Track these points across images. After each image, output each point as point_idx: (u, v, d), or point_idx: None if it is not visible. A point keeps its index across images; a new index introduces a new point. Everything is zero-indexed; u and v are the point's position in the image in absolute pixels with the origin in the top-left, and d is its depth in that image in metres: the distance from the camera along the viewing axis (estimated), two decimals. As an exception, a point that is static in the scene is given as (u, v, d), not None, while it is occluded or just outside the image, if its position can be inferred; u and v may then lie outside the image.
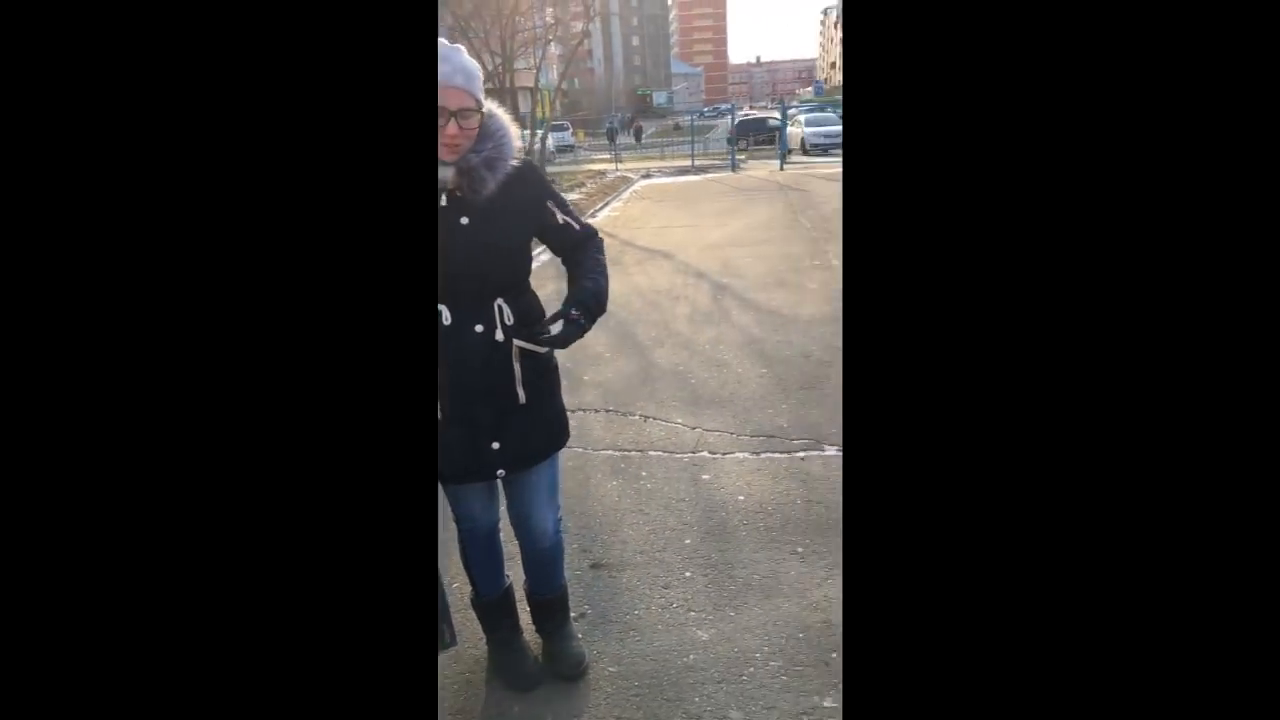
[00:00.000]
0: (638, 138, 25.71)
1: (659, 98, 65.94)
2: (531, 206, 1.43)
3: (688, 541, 2.28)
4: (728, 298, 5.36)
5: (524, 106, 17.55)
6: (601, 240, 1.59)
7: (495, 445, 1.43)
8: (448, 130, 1.25)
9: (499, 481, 1.53)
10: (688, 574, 2.12)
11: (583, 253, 1.53)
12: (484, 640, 1.77)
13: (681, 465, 2.82)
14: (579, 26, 18.88)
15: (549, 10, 17.93)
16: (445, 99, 1.25)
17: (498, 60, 14.48)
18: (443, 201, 1.32)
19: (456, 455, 1.42)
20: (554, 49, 20.58)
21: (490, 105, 1.38)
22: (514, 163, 1.37)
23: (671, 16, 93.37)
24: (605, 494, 2.62)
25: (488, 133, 1.34)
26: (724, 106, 34.64)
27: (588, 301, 1.45)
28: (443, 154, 1.29)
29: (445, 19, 12.67)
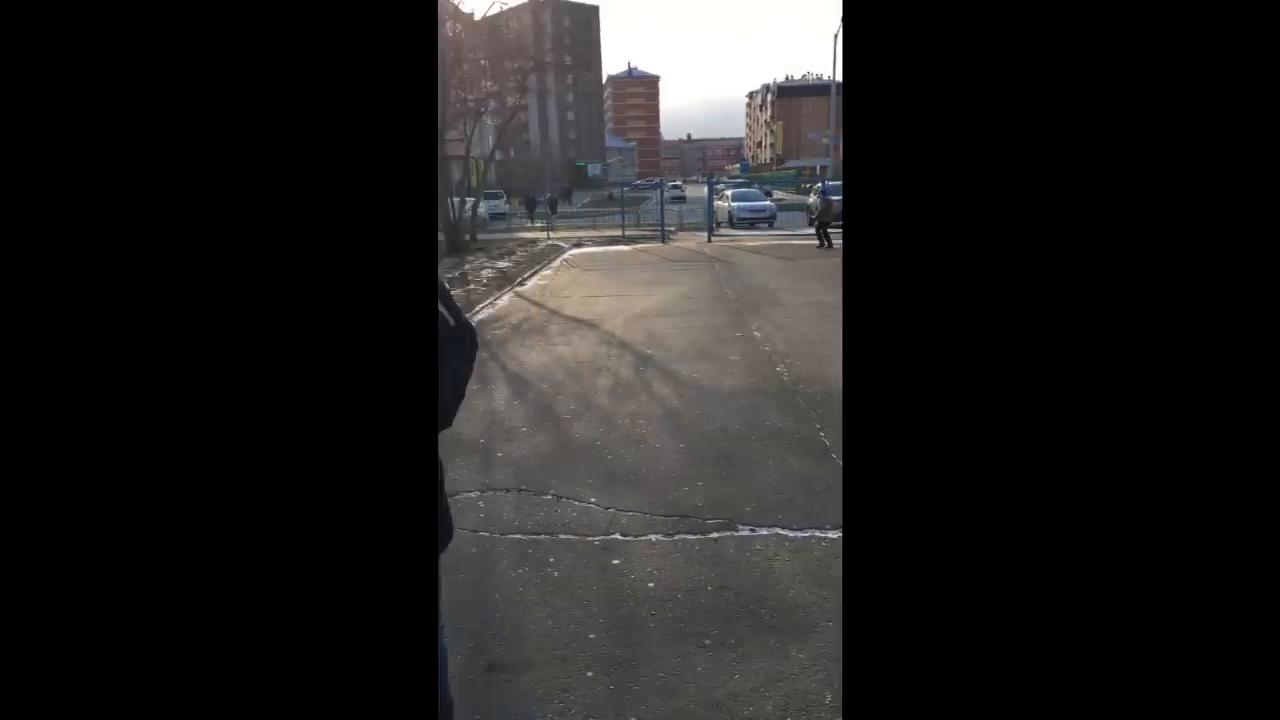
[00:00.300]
0: (553, 208, 24.64)
1: (593, 169, 67.88)
2: None
3: (592, 636, 2.16)
4: (650, 369, 5.36)
5: (456, 176, 17.66)
6: (476, 346, 1.49)
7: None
8: None
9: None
10: (589, 674, 1.99)
11: (448, 352, 1.36)
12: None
13: (592, 549, 2.70)
14: (513, 100, 19.36)
15: (483, 84, 18.33)
16: None
17: (429, 130, 14.59)
18: None
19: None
20: (489, 121, 20.97)
21: None
22: None
23: (606, 94, 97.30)
24: (508, 584, 2.48)
25: None
26: (654, 180, 35.90)
27: None
28: None
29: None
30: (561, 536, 2.81)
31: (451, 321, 1.43)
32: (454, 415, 1.42)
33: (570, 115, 70.32)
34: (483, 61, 16.80)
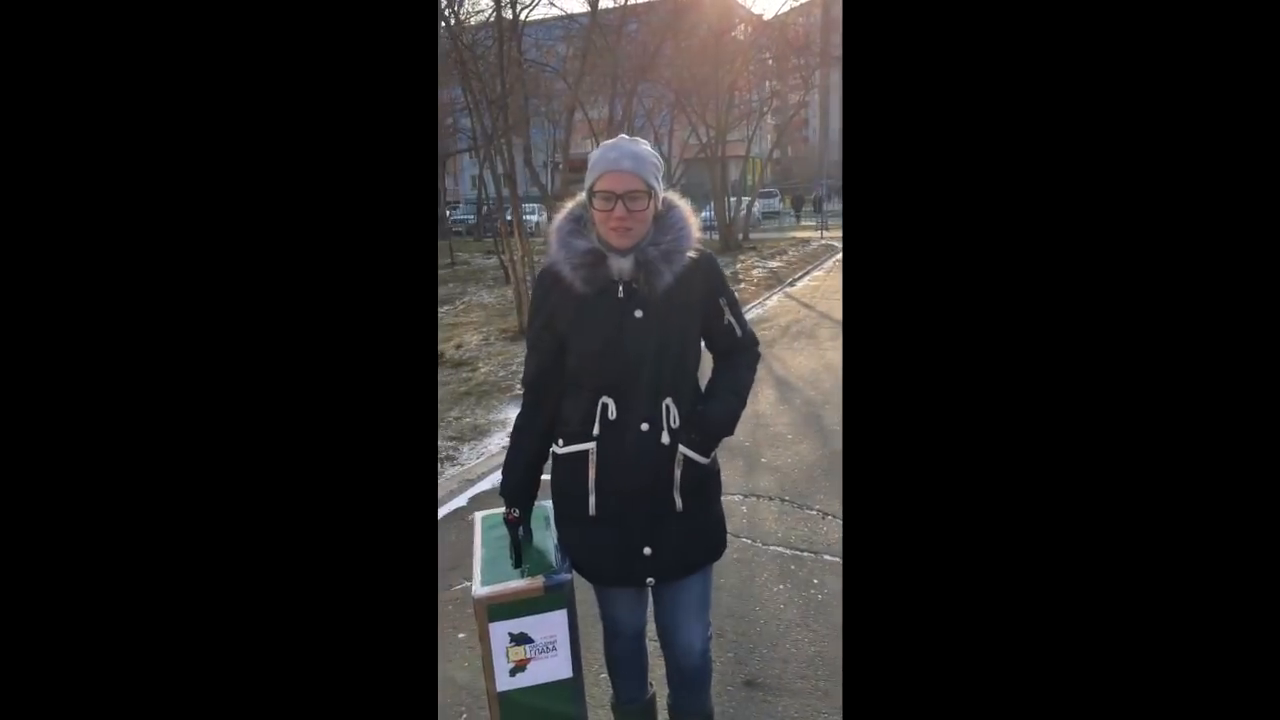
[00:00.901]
0: (818, 207, 22.14)
1: (873, 165, 64.49)
2: (705, 299, 1.35)
3: (858, 675, 2.00)
4: (931, 386, 4.89)
5: (734, 174, 18.01)
6: (759, 354, 1.47)
7: (647, 551, 1.34)
8: (615, 213, 1.23)
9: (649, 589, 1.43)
10: (854, 717, 1.84)
11: (734, 361, 1.42)
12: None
13: (860, 578, 2.52)
14: (796, 98, 19.12)
15: (767, 84, 18.37)
16: (611, 183, 1.23)
17: (711, 133, 15.06)
18: (619, 293, 1.29)
19: (605, 557, 1.35)
20: (770, 120, 20.99)
21: (672, 197, 1.34)
22: (692, 254, 1.31)
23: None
24: (770, 598, 2.41)
25: (667, 225, 1.30)
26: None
27: (708, 429, 1.34)
28: (613, 239, 1.26)
29: (667, 96, 13.46)
30: (826, 557, 2.67)
31: (739, 332, 1.41)
32: (736, 423, 1.40)
33: (853, 109, 67.45)
34: (769, 60, 16.82)
